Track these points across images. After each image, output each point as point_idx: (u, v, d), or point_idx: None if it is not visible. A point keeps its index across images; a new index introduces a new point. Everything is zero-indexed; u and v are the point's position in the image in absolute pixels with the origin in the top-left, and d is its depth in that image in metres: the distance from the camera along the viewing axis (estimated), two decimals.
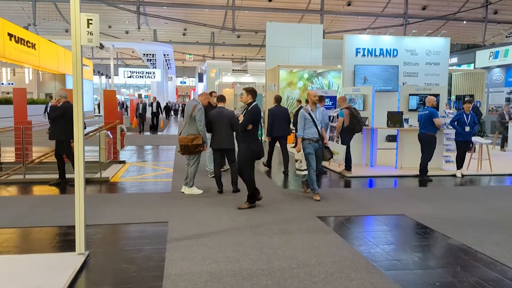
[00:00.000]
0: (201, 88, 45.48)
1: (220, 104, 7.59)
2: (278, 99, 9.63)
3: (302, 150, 6.90)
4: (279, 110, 9.44)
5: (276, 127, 9.45)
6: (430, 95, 9.33)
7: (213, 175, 7.73)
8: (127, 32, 42.23)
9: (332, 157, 7.43)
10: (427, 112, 8.73)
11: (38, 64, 21.40)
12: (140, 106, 19.34)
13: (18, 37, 18.89)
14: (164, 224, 5.57)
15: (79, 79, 4.36)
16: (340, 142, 9.31)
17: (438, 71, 13.91)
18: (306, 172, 6.89)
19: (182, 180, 7.55)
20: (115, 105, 10.67)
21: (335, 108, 10.37)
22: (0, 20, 17.38)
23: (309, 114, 6.83)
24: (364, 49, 13.60)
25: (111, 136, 8.57)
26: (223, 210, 6.29)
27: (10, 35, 18.15)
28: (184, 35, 43.26)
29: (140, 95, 28.94)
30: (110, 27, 40.43)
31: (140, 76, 29.71)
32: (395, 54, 13.77)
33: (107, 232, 5.31)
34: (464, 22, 35.88)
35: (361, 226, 5.77)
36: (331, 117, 9.94)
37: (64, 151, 7.87)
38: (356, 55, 13.57)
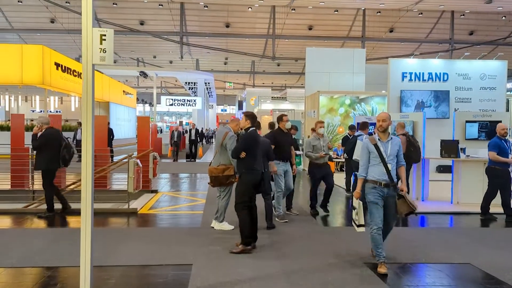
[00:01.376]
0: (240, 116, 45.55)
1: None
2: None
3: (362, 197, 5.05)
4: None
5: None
6: (490, 122, 8.22)
7: (283, 219, 7.14)
8: (171, 62, 43.09)
9: (412, 212, 4.86)
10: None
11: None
12: (175, 133, 18.74)
13: (64, 67, 19.25)
14: (187, 267, 4.81)
15: (90, 101, 3.78)
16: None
17: (495, 96, 12.64)
18: (363, 229, 4.87)
19: (213, 213, 6.81)
20: (149, 132, 10.23)
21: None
22: (47, 50, 17.75)
23: (375, 145, 4.80)
24: (411, 73, 12.61)
25: (141, 165, 8.02)
26: (255, 251, 5.47)
27: (57, 65, 18.51)
28: (225, 64, 43.58)
29: (181, 122, 28.93)
30: (155, 57, 41.40)
31: (182, 104, 29.79)
32: (445, 78, 12.67)
33: (122, 276, 4.61)
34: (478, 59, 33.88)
35: (419, 277, 4.76)
36: None
37: (49, 181, 7.32)
38: (403, 79, 12.60)
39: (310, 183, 8.29)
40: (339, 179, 12.73)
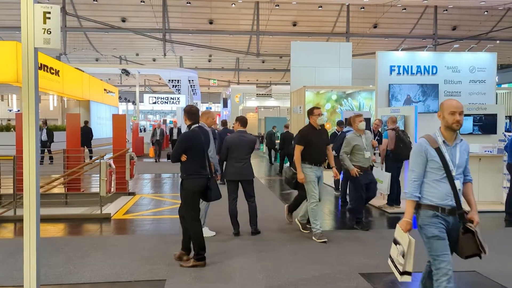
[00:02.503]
0: (225, 114, 44.61)
1: (240, 128, 6.25)
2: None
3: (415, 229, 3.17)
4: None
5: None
6: (485, 115, 7.72)
7: (322, 239, 5.65)
8: (154, 60, 42.09)
9: (478, 255, 3.10)
10: None
11: (62, 91, 20.80)
12: (158, 131, 17.13)
13: (41, 64, 18.29)
14: (159, 284, 4.17)
15: (32, 90, 3.09)
16: (384, 168, 7.76)
17: (484, 89, 12.19)
18: (409, 279, 3.14)
19: None
20: (125, 131, 9.51)
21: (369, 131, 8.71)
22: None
23: (438, 150, 3.09)
24: (399, 66, 12.07)
25: (114, 166, 7.32)
26: (238, 261, 4.84)
27: None
28: (209, 61, 42.75)
29: (164, 121, 28.07)
30: (137, 55, 40.36)
31: (165, 102, 28.88)
32: (434, 71, 12.18)
33: None
34: (498, 41, 33.85)
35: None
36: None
37: None
38: (391, 73, 12.05)
39: (352, 191, 6.95)
40: (326, 175, 12.19)
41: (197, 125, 4.85)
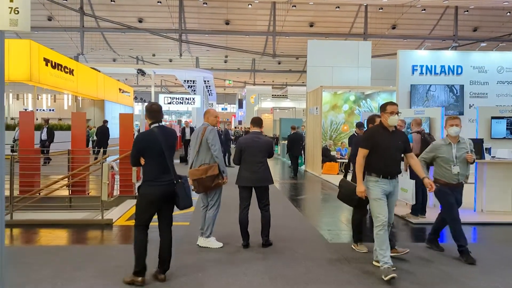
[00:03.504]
0: (241, 115, 44.09)
1: (254, 129, 5.63)
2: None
3: None
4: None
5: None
6: None
7: (390, 275, 4.15)
8: (170, 60, 41.86)
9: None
10: None
11: (76, 90, 20.51)
12: (187, 131, 15.19)
13: (54, 63, 18.03)
14: None
15: None
16: (408, 175, 7.06)
17: None
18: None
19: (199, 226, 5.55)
20: (132, 131, 8.99)
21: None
22: (36, 46, 16.54)
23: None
24: (422, 66, 11.35)
25: (117, 169, 6.79)
26: (247, 280, 4.23)
27: (46, 60, 17.30)
28: (225, 62, 42.34)
29: (179, 121, 27.65)
30: (154, 55, 40.21)
31: (180, 102, 28.53)
32: (459, 71, 11.40)
33: None
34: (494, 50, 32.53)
35: None
36: None
37: None
38: (413, 73, 11.34)
39: (444, 213, 5.28)
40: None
41: (156, 124, 4.16)
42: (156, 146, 4.04)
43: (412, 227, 6.67)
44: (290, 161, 13.60)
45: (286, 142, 14.45)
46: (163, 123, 4.29)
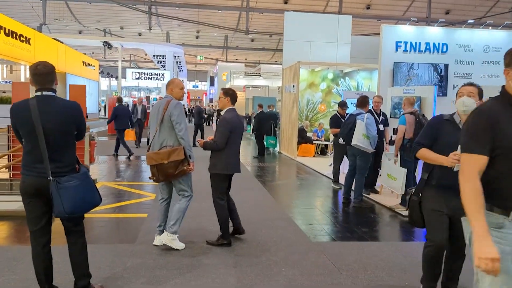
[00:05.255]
0: (212, 92, 42.47)
1: (231, 106, 4.53)
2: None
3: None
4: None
5: None
6: None
7: None
8: (140, 34, 39.57)
9: None
10: None
11: (33, 61, 18.54)
12: (139, 108, 13.43)
13: (8, 30, 16.07)
14: None
15: None
16: (398, 163, 6.15)
17: (498, 71, 10.60)
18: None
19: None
20: (85, 105, 7.66)
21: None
22: None
23: None
24: (406, 42, 10.38)
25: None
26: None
27: None
28: (197, 38, 40.41)
29: (148, 97, 26.01)
30: (122, 28, 37.86)
31: (149, 78, 26.84)
32: (444, 49, 10.52)
33: None
34: (490, 28, 32.32)
35: None
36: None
37: None
38: (396, 50, 10.37)
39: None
40: (320, 164, 10.59)
41: (39, 93, 2.89)
42: (28, 124, 2.83)
43: (402, 220, 5.79)
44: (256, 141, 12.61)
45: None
46: (67, 95, 3.02)
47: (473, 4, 30.54)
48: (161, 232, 4.36)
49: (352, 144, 6.30)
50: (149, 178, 4.26)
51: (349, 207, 6.45)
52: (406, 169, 5.90)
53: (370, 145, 6.30)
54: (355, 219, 5.81)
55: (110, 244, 4.40)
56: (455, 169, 2.56)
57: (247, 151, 14.06)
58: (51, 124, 2.86)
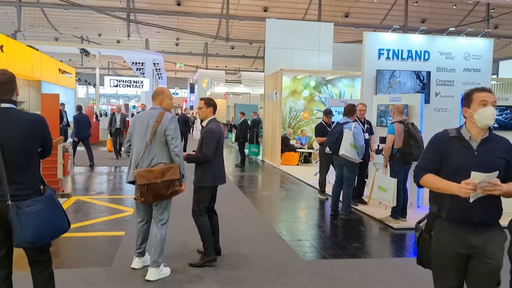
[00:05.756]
0: (192, 100, 41.98)
1: (213, 116, 4.24)
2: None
3: None
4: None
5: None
6: (507, 107, 6.01)
7: None
8: (118, 42, 38.80)
9: None
10: None
11: (5, 69, 17.76)
12: (118, 117, 12.40)
13: None
14: None
15: None
16: (388, 173, 5.92)
17: (479, 79, 10.59)
18: None
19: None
20: (57, 115, 7.19)
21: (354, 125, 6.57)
22: None
23: None
24: (388, 50, 10.26)
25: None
26: None
27: None
28: (176, 45, 39.88)
29: (126, 105, 25.37)
30: (100, 35, 37.05)
31: (127, 85, 26.05)
32: (426, 57, 10.46)
33: None
34: (463, 36, 33.03)
35: None
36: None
37: None
38: (379, 57, 10.21)
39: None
40: (304, 173, 10.31)
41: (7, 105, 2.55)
42: None
43: (392, 233, 5.55)
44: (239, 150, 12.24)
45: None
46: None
47: (448, 14, 31.16)
48: (140, 254, 3.99)
49: (339, 154, 6.05)
50: (135, 199, 3.82)
51: (337, 219, 6.17)
52: (396, 180, 5.68)
53: (357, 155, 6.08)
54: (345, 233, 5.55)
55: (82, 268, 3.99)
56: (470, 200, 2.11)
57: (228, 160, 13.72)
58: (11, 141, 2.48)
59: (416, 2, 31.19)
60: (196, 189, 4.13)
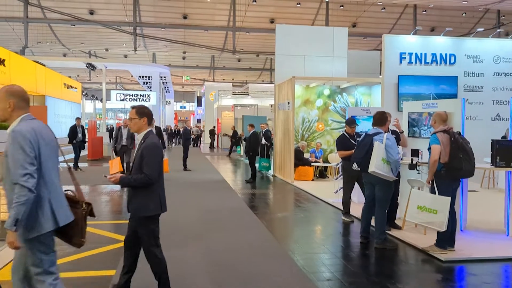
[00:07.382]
0: (200, 113, 41.16)
1: (149, 128, 3.38)
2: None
3: None
4: None
5: None
6: None
7: None
8: (125, 56, 38.32)
9: None
10: None
11: (8, 83, 17.01)
12: (124, 133, 10.28)
13: None
14: None
15: None
16: (437, 191, 4.83)
17: (511, 84, 9.57)
18: None
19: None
20: None
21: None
22: None
23: None
24: (410, 54, 9.27)
25: None
26: None
27: None
28: (183, 58, 39.28)
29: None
30: (107, 50, 36.58)
31: (134, 99, 25.34)
32: (452, 61, 9.43)
33: None
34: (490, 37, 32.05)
35: None
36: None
37: None
38: (401, 62, 9.24)
39: None
40: (322, 190, 9.21)
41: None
42: None
43: (440, 267, 4.45)
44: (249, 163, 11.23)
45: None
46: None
47: (458, 21, 30.22)
48: None
49: (369, 171, 4.99)
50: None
51: (369, 248, 5.09)
52: (450, 198, 4.60)
53: (391, 172, 5.03)
54: (383, 269, 4.47)
55: None
56: None
57: (237, 175, 12.69)
58: None
59: (425, 11, 30.33)
60: (139, 221, 3.23)
